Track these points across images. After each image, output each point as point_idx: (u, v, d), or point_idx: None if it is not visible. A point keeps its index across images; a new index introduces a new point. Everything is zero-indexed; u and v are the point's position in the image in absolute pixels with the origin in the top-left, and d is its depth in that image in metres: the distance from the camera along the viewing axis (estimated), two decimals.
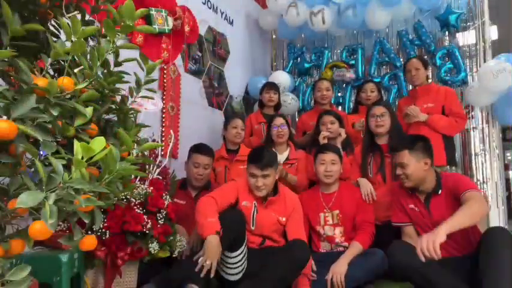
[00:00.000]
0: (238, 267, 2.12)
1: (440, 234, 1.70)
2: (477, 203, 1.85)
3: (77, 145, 0.85)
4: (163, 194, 2.01)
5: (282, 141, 3.04)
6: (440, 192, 2.10)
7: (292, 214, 2.30)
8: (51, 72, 1.20)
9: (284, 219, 2.29)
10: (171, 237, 1.96)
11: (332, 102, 4.14)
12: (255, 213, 2.26)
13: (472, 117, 3.75)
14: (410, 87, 3.68)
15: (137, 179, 1.95)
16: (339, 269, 2.17)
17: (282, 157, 3.01)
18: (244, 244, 2.16)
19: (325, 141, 2.96)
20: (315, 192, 2.62)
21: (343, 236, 2.47)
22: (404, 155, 2.13)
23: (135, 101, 1.34)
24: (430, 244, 1.68)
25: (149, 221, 1.84)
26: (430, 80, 3.84)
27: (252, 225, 2.25)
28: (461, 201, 1.92)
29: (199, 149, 2.67)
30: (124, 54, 1.21)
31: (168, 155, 2.31)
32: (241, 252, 2.12)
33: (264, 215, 2.27)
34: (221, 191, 2.26)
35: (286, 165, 2.98)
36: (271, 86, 3.65)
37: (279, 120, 3.08)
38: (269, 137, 3.10)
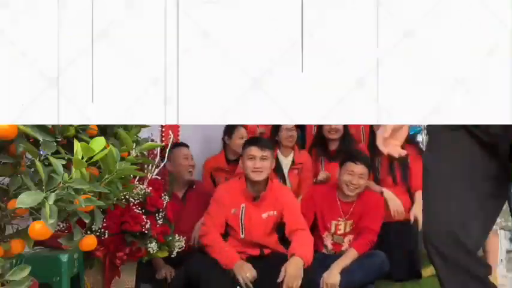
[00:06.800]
0: None
1: None
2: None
3: (77, 145, 0.85)
4: (162, 194, 2.01)
5: (290, 144, 2.94)
6: None
7: (287, 206, 2.20)
8: None
9: (275, 213, 2.18)
10: (170, 237, 1.96)
11: None
12: (243, 217, 2.13)
13: None
14: None
15: (136, 179, 1.95)
16: (333, 280, 2.12)
17: (287, 160, 2.94)
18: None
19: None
20: (332, 195, 2.44)
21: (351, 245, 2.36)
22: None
23: None
24: None
25: (148, 221, 1.84)
26: None
27: (242, 233, 2.12)
28: None
29: (180, 144, 2.60)
30: None
31: (167, 155, 2.30)
32: None
33: (251, 217, 2.16)
34: (212, 217, 2.18)
35: (294, 170, 2.91)
36: None
37: (290, 124, 2.96)
38: (274, 138, 2.98)
